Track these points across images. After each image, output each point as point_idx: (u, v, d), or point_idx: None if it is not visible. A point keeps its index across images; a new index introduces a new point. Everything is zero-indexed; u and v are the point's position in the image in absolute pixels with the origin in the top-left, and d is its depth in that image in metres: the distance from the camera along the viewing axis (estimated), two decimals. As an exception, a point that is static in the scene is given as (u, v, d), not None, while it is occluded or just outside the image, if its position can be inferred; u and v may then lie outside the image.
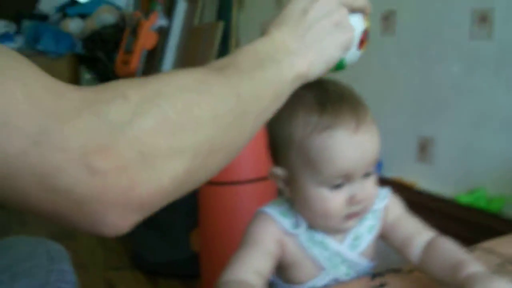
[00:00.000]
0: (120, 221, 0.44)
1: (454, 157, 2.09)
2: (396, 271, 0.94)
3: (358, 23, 0.78)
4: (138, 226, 2.10)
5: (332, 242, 0.88)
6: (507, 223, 1.71)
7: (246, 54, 0.63)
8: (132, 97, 0.43)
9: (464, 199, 1.95)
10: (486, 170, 1.96)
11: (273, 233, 0.87)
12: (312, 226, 0.87)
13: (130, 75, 3.76)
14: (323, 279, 0.90)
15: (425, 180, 2.19)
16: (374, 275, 0.92)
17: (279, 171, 0.86)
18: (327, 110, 0.80)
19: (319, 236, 0.88)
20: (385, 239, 0.94)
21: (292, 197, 0.87)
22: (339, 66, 0.78)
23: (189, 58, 3.51)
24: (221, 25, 3.40)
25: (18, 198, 0.40)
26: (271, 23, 0.72)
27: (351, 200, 0.82)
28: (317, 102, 0.81)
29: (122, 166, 0.41)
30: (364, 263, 0.92)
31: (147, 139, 0.43)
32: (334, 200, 0.81)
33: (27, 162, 0.38)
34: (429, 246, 0.87)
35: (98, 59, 4.78)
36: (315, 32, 0.70)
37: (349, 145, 0.79)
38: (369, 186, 0.84)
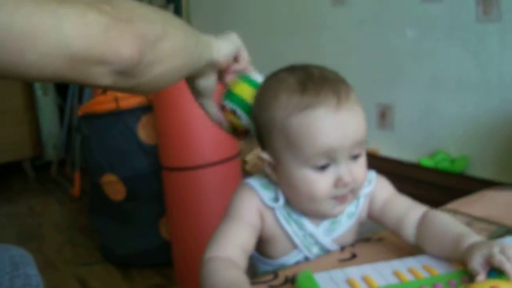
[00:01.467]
0: (132, 42, 0.61)
1: (414, 121, 2.10)
2: (365, 240, 0.94)
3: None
4: (105, 220, 2.07)
5: (307, 223, 0.87)
6: (471, 182, 1.74)
7: None
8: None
9: (427, 162, 1.97)
10: (446, 132, 1.98)
11: (255, 204, 0.86)
12: (302, 211, 0.86)
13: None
14: (295, 257, 0.90)
15: (387, 147, 2.21)
16: (343, 247, 0.92)
17: (265, 155, 0.84)
18: (308, 90, 0.78)
19: (295, 215, 0.87)
20: (379, 223, 0.92)
21: (278, 182, 0.85)
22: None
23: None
24: (170, 8, 3.35)
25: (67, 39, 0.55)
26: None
27: (338, 183, 0.79)
28: (298, 83, 0.80)
29: (118, 9, 0.61)
30: (334, 249, 0.91)
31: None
32: (319, 183, 0.79)
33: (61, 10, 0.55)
34: (421, 224, 0.85)
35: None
36: None
37: (330, 123, 0.77)
38: (357, 168, 0.81)
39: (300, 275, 0.76)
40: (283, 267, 0.89)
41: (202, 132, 2.02)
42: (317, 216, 0.86)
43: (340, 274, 0.77)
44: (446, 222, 0.84)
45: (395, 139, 2.19)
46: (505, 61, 1.75)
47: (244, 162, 2.33)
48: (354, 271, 0.78)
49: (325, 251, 0.90)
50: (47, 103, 4.59)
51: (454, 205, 1.08)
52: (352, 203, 0.89)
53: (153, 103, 2.15)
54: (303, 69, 0.83)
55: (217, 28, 3.22)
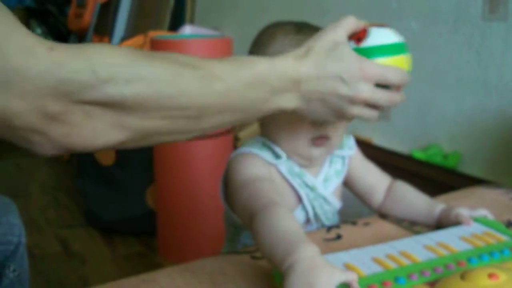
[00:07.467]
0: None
1: (410, 113, 2.10)
2: (352, 223, 0.95)
3: None
4: (92, 183, 2.06)
5: (307, 175, 0.90)
6: (462, 179, 1.74)
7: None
8: None
9: (419, 155, 1.97)
10: (441, 127, 1.97)
11: (261, 164, 0.86)
12: (286, 153, 0.88)
13: (83, 29, 3.64)
14: (298, 216, 0.90)
15: (381, 136, 2.20)
16: (329, 227, 0.92)
17: None
18: (303, 31, 0.83)
19: (297, 169, 0.89)
20: (348, 186, 1.00)
21: (266, 121, 0.88)
22: None
23: (144, 12, 3.42)
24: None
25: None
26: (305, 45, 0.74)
27: (314, 123, 0.82)
28: (295, 26, 0.85)
29: None
30: (335, 202, 0.94)
31: None
32: (298, 119, 0.81)
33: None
34: (391, 191, 0.98)
35: (49, 13, 4.62)
36: (329, 90, 0.72)
37: None
38: (337, 121, 0.84)
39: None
40: None
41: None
42: (301, 158, 0.88)
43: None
44: (413, 190, 0.98)
45: (389, 129, 2.18)
46: (507, 61, 1.74)
47: (236, 139, 2.32)
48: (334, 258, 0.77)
49: (324, 206, 0.93)
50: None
51: (442, 198, 1.08)
52: (338, 161, 0.95)
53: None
54: (302, 22, 0.89)
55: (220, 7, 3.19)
